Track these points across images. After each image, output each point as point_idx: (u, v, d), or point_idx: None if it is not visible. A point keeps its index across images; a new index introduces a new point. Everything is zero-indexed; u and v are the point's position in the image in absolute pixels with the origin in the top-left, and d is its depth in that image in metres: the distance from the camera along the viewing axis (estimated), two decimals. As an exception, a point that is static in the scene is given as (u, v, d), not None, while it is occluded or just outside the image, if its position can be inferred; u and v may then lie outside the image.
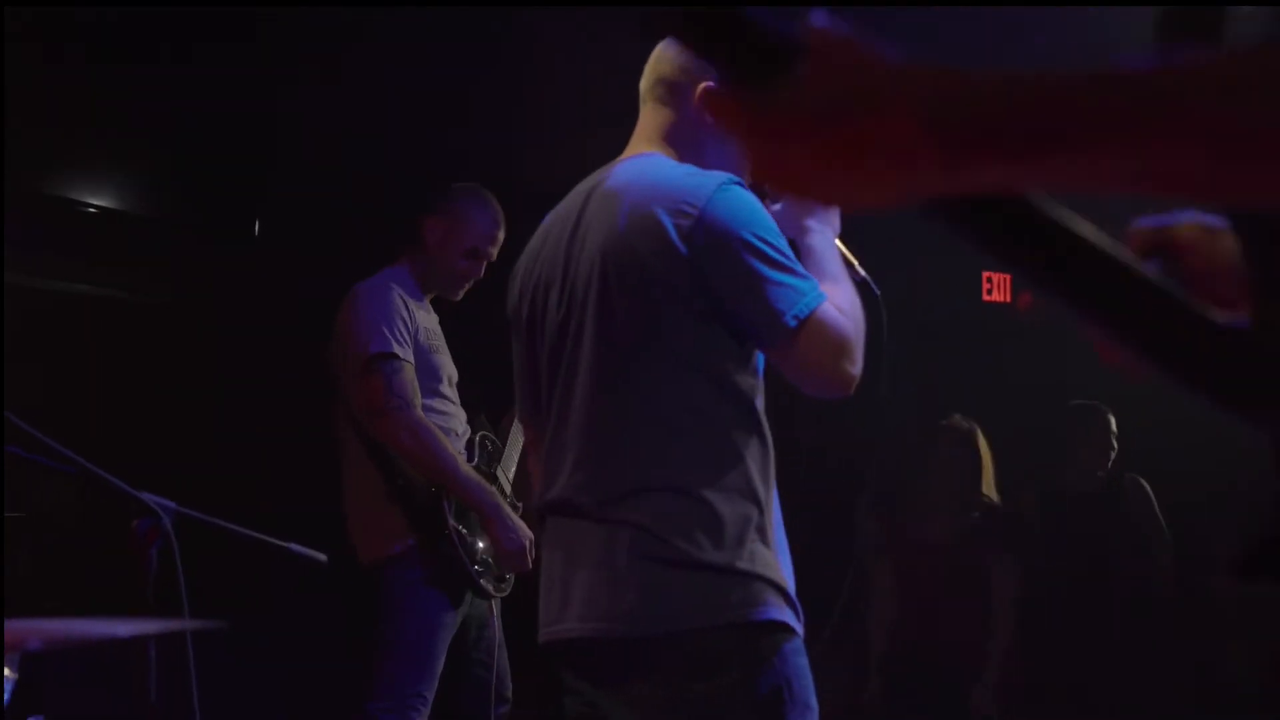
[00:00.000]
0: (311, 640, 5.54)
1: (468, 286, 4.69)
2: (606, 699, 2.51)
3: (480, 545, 4.42)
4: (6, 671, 2.39)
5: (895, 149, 0.89)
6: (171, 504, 2.83)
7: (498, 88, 5.91)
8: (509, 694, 4.57)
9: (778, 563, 2.49)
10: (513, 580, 4.53)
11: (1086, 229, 0.97)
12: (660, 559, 2.42)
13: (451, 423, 4.48)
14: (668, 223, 2.47)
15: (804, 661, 2.47)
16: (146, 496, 2.80)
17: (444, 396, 4.51)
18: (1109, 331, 1.03)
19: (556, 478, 2.60)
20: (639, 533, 2.44)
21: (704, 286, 2.46)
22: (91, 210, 6.21)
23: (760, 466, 2.52)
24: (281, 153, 6.28)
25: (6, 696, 2.38)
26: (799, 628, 2.48)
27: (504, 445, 4.75)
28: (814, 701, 2.46)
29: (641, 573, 2.44)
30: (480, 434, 4.63)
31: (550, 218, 2.80)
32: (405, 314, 4.43)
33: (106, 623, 1.83)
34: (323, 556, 3.12)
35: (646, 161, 2.68)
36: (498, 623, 4.55)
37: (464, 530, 4.38)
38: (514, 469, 4.73)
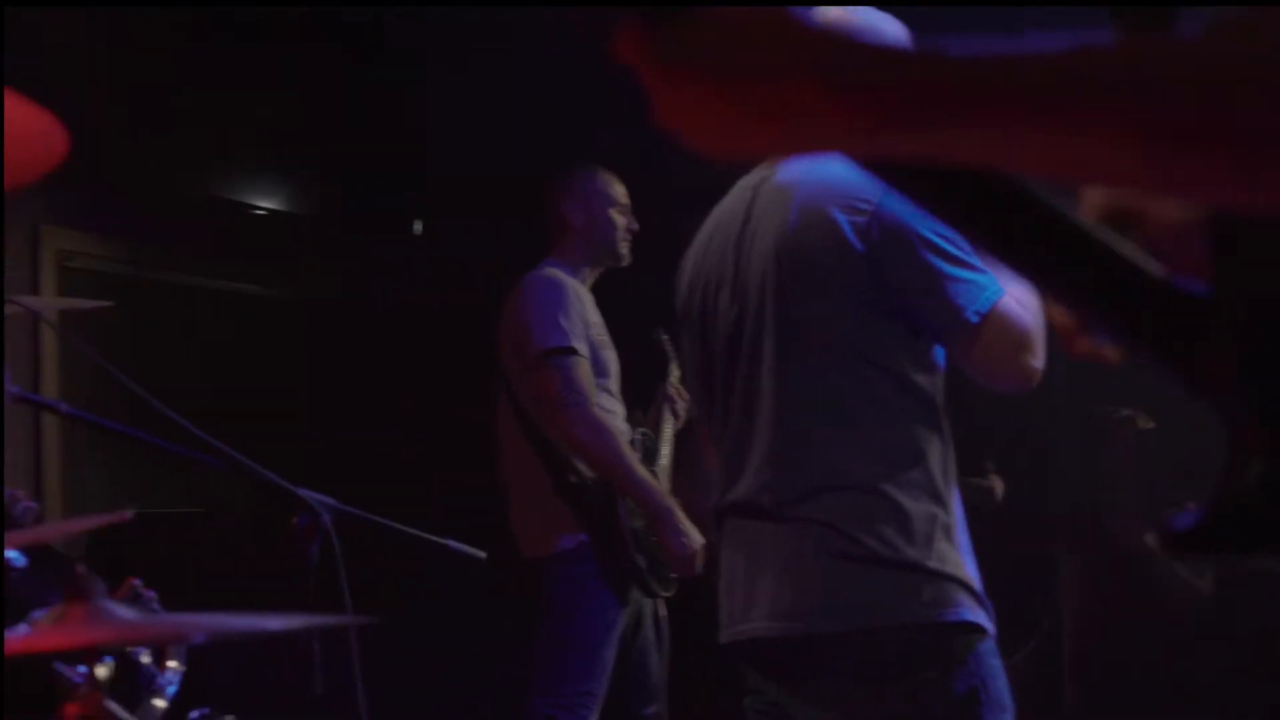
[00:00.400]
0: (470, 635, 5.59)
1: (630, 241, 4.66)
2: (794, 698, 2.49)
3: (650, 545, 4.40)
4: (174, 664, 2.45)
5: (800, 109, 0.86)
6: (331, 500, 2.86)
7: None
8: (660, 693, 4.55)
9: (963, 561, 2.46)
10: (676, 581, 4.50)
11: (1042, 196, 0.93)
12: (848, 556, 2.40)
13: (616, 420, 4.45)
14: (842, 220, 2.44)
15: (998, 662, 2.44)
16: (306, 494, 2.84)
17: (610, 393, 4.49)
18: (1071, 305, 0.99)
19: (738, 478, 2.58)
20: (825, 530, 2.42)
21: (882, 283, 2.43)
22: (259, 212, 6.36)
23: (942, 464, 2.49)
24: (440, 153, 6.35)
25: (175, 688, 2.44)
26: (991, 628, 2.44)
27: (658, 442, 4.73)
28: (1009, 701, 2.42)
29: (829, 570, 2.42)
30: (640, 430, 4.61)
31: (716, 213, 2.77)
32: (580, 308, 4.42)
33: (262, 617, 1.86)
34: (481, 553, 3.14)
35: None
36: (664, 623, 4.54)
37: (638, 529, 4.36)
38: (667, 465, 4.71)
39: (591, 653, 4.30)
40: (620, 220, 4.61)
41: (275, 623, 1.86)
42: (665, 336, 4.86)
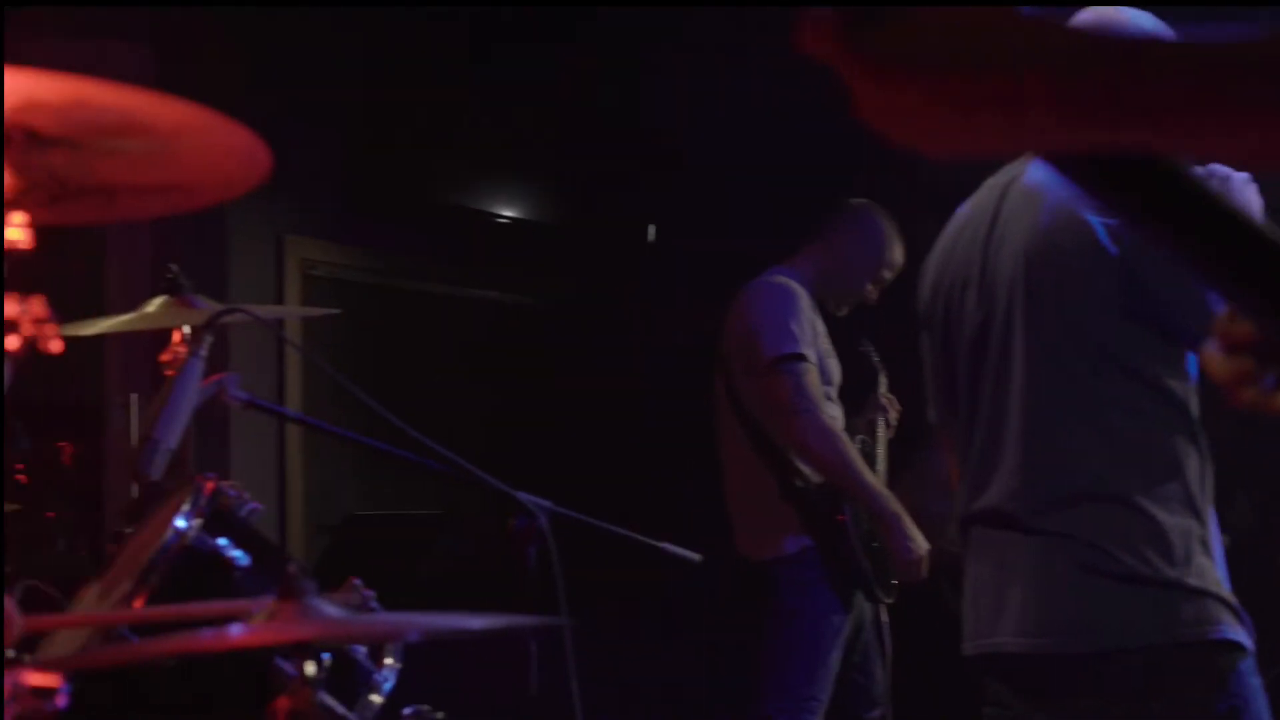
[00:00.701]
0: (684, 637, 5.61)
1: (854, 306, 4.65)
2: (1043, 713, 2.45)
3: (873, 550, 4.37)
4: (391, 661, 2.52)
5: (1013, 102, 0.84)
6: (548, 503, 2.90)
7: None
8: (882, 699, 4.51)
9: (1221, 577, 2.39)
10: (898, 586, 4.47)
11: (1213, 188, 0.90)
12: (1103, 572, 2.35)
13: (838, 426, 4.44)
14: (1095, 222, 2.39)
15: (1258, 681, 2.37)
16: (525, 496, 2.88)
17: (833, 400, 4.48)
18: (1259, 311, 0.95)
19: (985, 486, 2.54)
20: (1079, 545, 2.37)
21: (1136, 287, 2.36)
22: (502, 220, 6.49)
23: (1198, 475, 2.42)
24: (673, 160, 6.39)
25: (391, 684, 2.50)
26: (1251, 645, 2.37)
27: (875, 449, 4.71)
28: None
29: (1084, 586, 2.37)
30: (859, 437, 4.59)
31: (962, 214, 2.72)
32: (810, 315, 4.42)
33: (465, 617, 1.90)
34: (696, 556, 3.15)
35: None
36: (886, 628, 4.51)
37: (863, 534, 4.35)
38: (883, 473, 4.67)
39: (816, 657, 4.29)
40: (872, 288, 4.59)
41: (477, 622, 1.90)
42: (871, 349, 4.84)
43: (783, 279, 4.47)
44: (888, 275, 4.59)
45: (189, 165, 1.64)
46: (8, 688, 1.48)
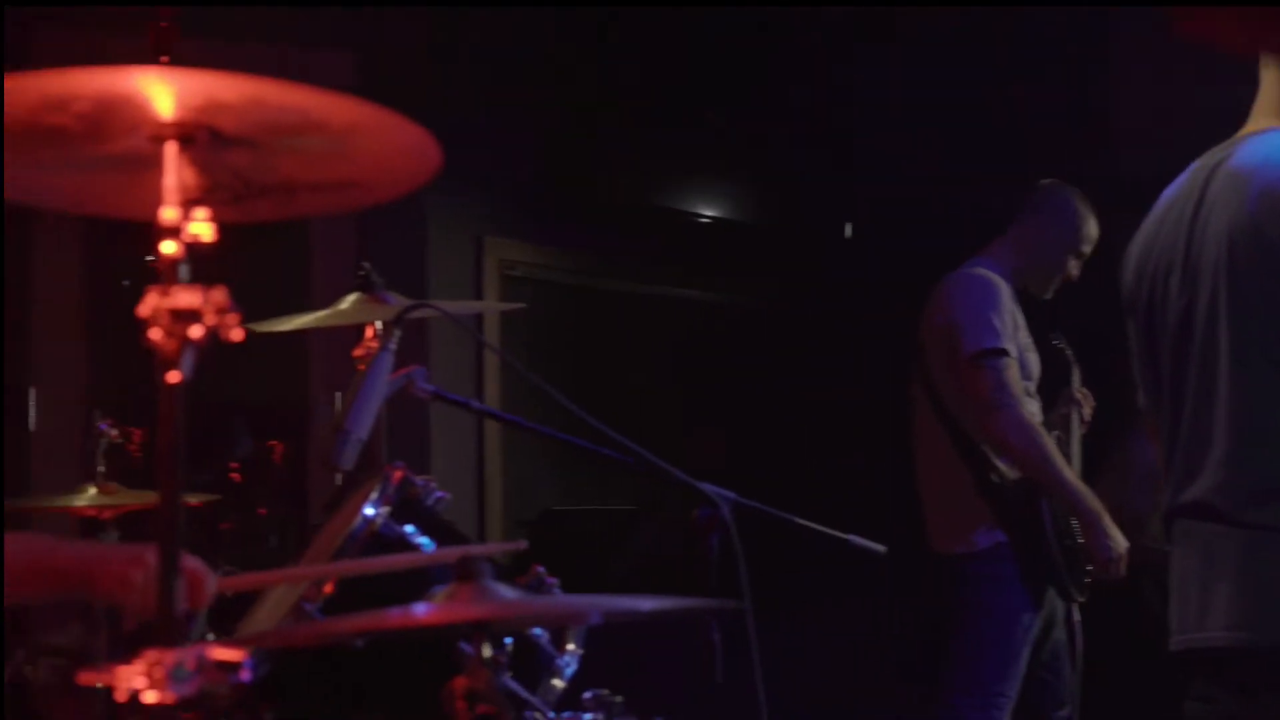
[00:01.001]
0: (869, 628, 5.58)
1: (1061, 286, 4.58)
2: (1252, 709, 2.40)
3: (1067, 547, 4.31)
4: (572, 647, 2.57)
5: None
6: (731, 494, 2.93)
7: (1077, 76, 5.79)
8: (1072, 697, 4.43)
9: None
10: (1090, 584, 4.39)
11: None
12: None
13: (1037, 422, 4.38)
14: None
15: None
16: (708, 487, 2.91)
17: (1032, 396, 4.43)
18: None
19: (1192, 477, 2.49)
20: None
21: None
22: (703, 220, 6.52)
23: None
24: (868, 156, 6.36)
25: (572, 669, 2.55)
26: None
27: (1070, 443, 4.63)
28: None
29: None
30: (1054, 433, 4.51)
31: (1165, 198, 2.66)
32: (1011, 307, 4.37)
33: (640, 598, 1.93)
34: (882, 548, 3.14)
35: (1275, 140, 2.51)
36: (1078, 626, 4.44)
37: (1061, 531, 4.29)
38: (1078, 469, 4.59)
39: (1007, 653, 4.24)
40: (1072, 264, 4.52)
41: (648, 604, 1.93)
42: (1064, 342, 4.76)
43: (983, 271, 4.42)
44: (1086, 249, 4.52)
45: (363, 162, 1.69)
46: (192, 660, 1.55)
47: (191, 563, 2.15)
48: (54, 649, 3.81)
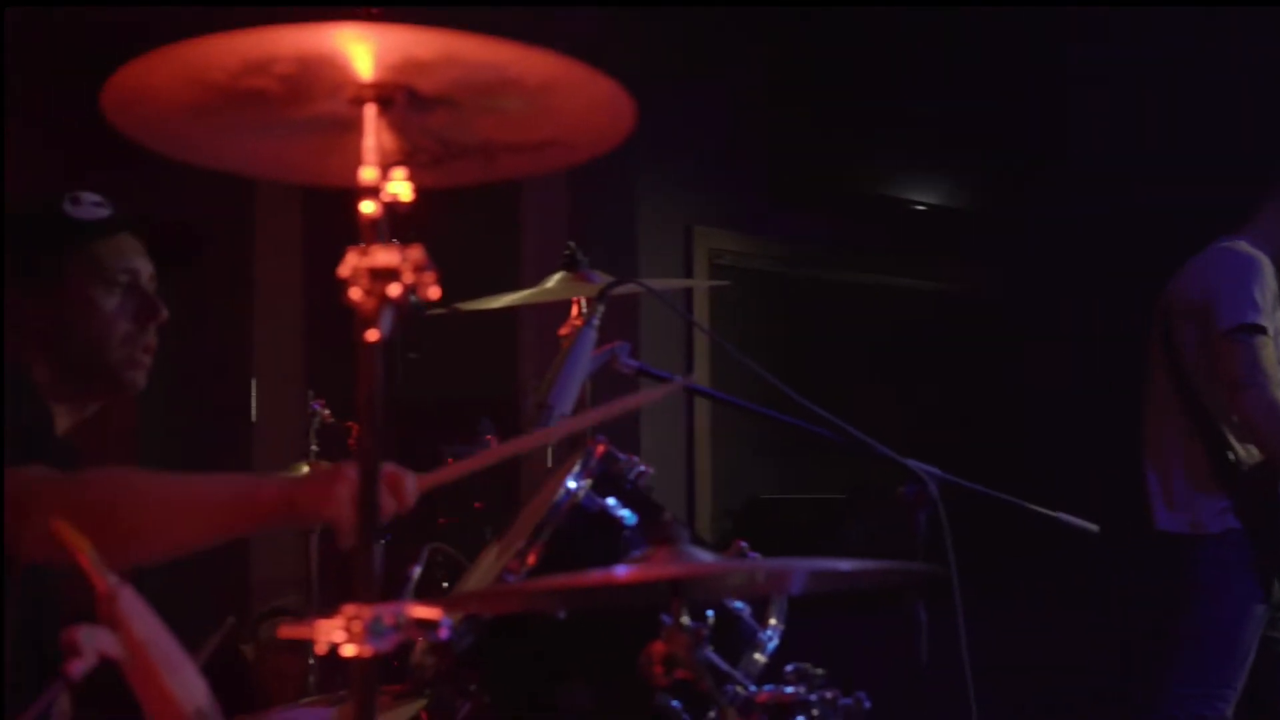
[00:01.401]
0: (1079, 609, 5.44)
1: None
2: None
3: None
4: (774, 621, 2.54)
5: None
6: (937, 470, 2.88)
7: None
8: None
9: None
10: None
11: None
12: None
13: None
14: None
15: None
16: (914, 464, 2.87)
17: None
18: None
19: None
20: None
21: None
22: (918, 207, 6.46)
23: None
24: (1082, 144, 6.24)
25: (774, 644, 2.53)
26: None
27: None
28: None
29: None
30: None
31: None
32: (1273, 285, 4.23)
33: (838, 560, 1.91)
34: (1094, 527, 3.07)
35: None
36: None
37: None
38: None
39: (1234, 642, 4.10)
40: None
41: (846, 565, 1.91)
42: None
43: (1244, 245, 4.28)
44: None
45: (560, 120, 1.69)
46: (391, 615, 1.56)
47: (390, 467, 2.19)
48: (275, 611, 3.93)
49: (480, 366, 5.61)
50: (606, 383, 2.94)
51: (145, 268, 2.59)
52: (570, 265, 3.04)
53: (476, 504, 5.02)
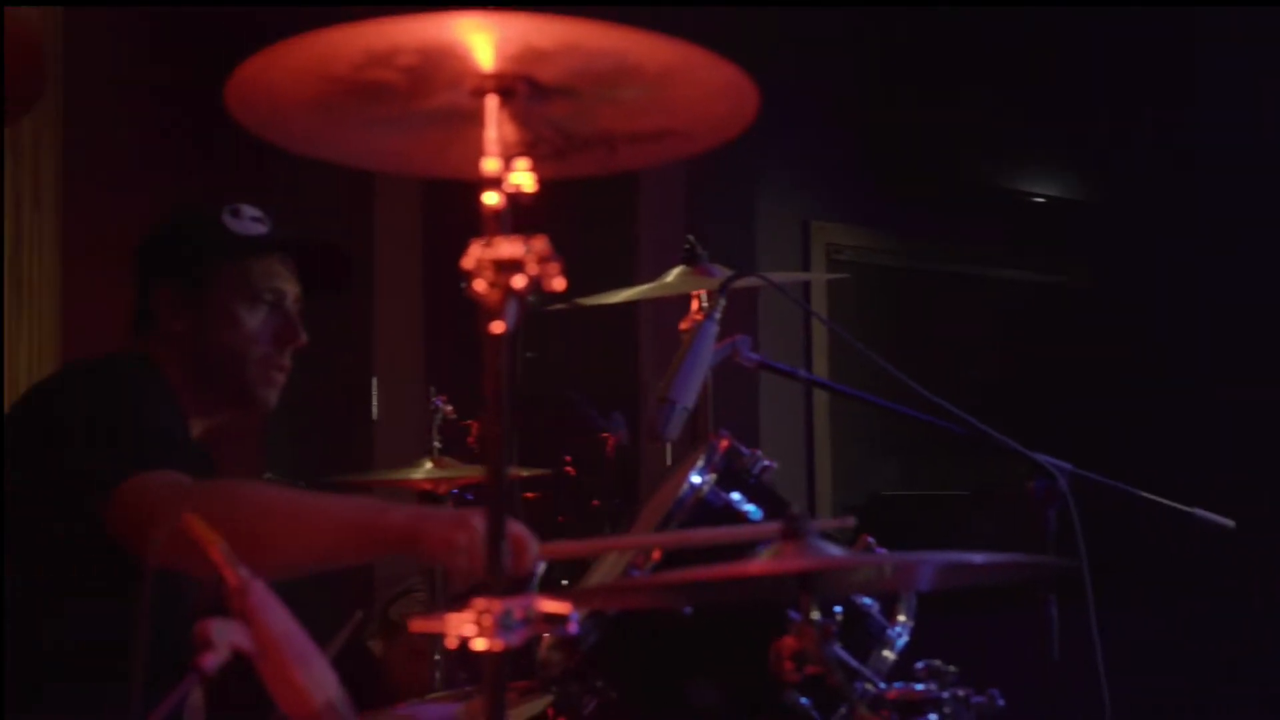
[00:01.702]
0: (1213, 606, 5.32)
1: None
2: None
3: None
4: (903, 618, 2.51)
5: None
6: (1068, 465, 2.82)
7: None
8: None
9: None
10: None
11: None
12: None
13: None
14: None
15: None
16: (1043, 458, 2.82)
17: None
18: None
19: None
20: None
21: None
22: (1036, 200, 6.37)
23: None
24: (1207, 136, 6.12)
25: (904, 640, 2.49)
26: None
27: None
28: None
29: None
30: None
31: None
32: None
33: (970, 554, 1.86)
34: (1230, 522, 2.99)
35: None
36: None
37: None
38: None
39: None
40: None
41: (979, 558, 1.87)
42: None
43: None
44: None
45: (680, 109, 1.67)
46: (520, 610, 1.55)
47: (516, 527, 2.18)
48: (403, 593, 3.94)
49: (598, 362, 5.60)
50: (727, 376, 2.92)
51: (292, 290, 2.61)
52: (690, 259, 3.02)
53: (594, 502, 5.02)
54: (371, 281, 5.39)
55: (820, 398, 5.58)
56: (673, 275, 3.08)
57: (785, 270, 5.49)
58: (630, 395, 5.45)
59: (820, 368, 5.55)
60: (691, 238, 3.04)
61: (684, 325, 2.92)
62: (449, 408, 3.54)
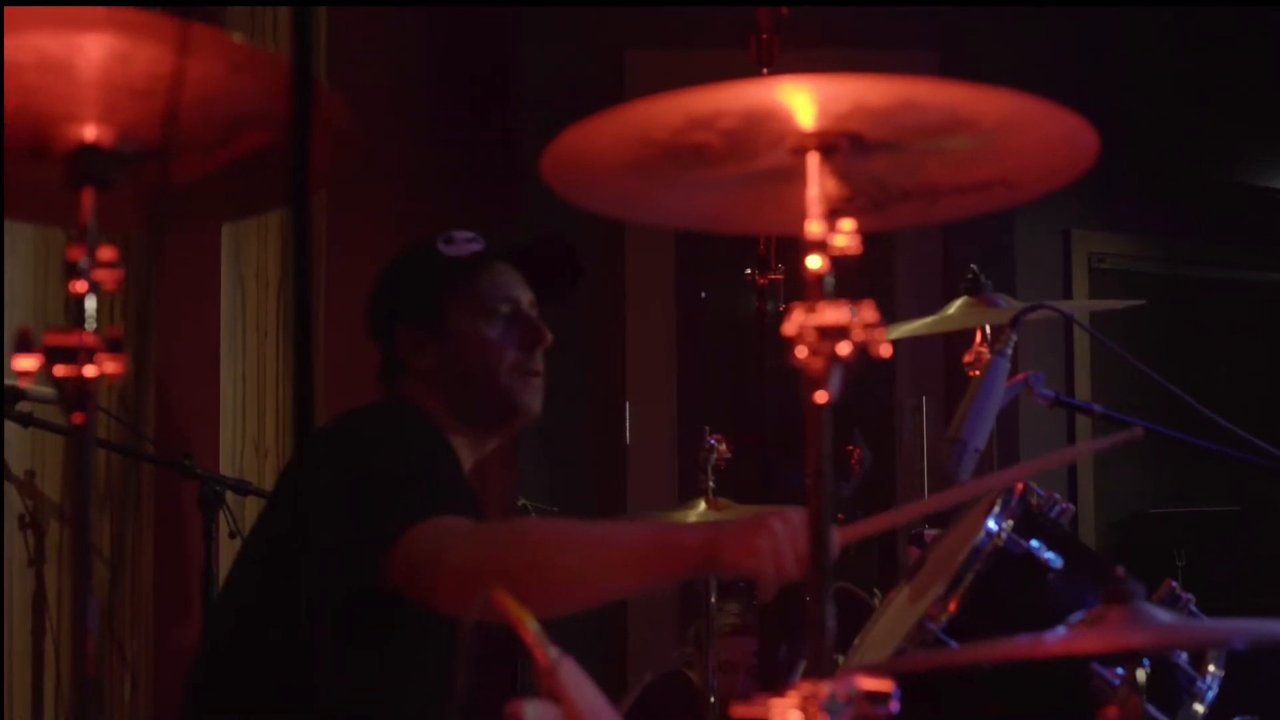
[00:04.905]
0: None
1: None
2: None
3: None
4: (1213, 668, 2.38)
5: None
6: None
7: None
8: None
9: None
10: None
11: None
12: None
13: None
14: None
15: None
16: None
17: None
18: None
19: None
20: None
21: None
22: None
23: None
24: None
25: (1214, 693, 2.37)
26: None
27: None
28: None
29: None
30: None
31: None
32: None
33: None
34: None
35: None
36: None
37: None
38: None
39: None
40: None
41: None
42: None
43: None
44: None
45: (1014, 159, 1.60)
46: (844, 691, 1.49)
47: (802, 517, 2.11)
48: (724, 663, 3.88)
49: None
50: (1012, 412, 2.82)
51: (525, 295, 2.58)
52: (973, 289, 2.92)
53: (839, 515, 4.96)
54: (623, 304, 5.39)
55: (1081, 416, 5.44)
56: (954, 307, 2.98)
57: (1044, 281, 5.38)
58: (886, 413, 5.37)
59: (1083, 384, 5.40)
60: (975, 267, 2.93)
61: (968, 358, 2.82)
62: (723, 447, 3.47)
